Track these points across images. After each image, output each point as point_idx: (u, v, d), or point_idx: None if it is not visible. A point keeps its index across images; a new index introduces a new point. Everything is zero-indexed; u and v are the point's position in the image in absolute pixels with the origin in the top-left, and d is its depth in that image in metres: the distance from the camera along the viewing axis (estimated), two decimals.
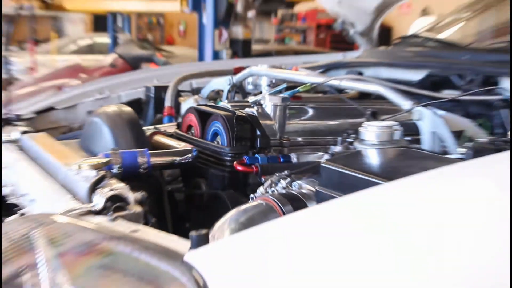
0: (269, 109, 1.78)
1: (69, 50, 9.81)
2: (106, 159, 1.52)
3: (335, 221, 1.06)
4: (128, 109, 1.91)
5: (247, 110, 1.77)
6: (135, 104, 2.32)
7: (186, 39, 11.18)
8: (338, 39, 11.40)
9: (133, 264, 1.08)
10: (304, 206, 1.38)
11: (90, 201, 1.36)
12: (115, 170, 1.53)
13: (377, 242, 0.99)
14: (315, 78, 2.01)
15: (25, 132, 1.94)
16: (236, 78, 2.17)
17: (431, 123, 1.54)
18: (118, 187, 1.35)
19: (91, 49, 9.59)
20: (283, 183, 1.46)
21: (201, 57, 5.62)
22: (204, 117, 1.82)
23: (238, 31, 5.76)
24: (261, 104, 1.80)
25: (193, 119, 1.87)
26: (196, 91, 2.39)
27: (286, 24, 11.99)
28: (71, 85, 4.00)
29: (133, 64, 4.73)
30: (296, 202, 1.38)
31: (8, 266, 1.16)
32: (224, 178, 1.67)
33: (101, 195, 1.34)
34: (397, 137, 1.46)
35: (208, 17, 5.58)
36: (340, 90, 2.21)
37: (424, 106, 1.59)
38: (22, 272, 1.12)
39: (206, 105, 1.96)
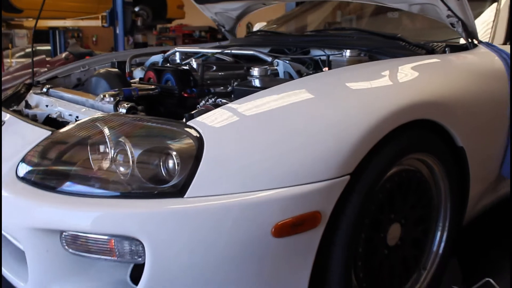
0: (195, 66, 2.07)
1: (18, 55, 9.39)
2: (118, 91, 1.76)
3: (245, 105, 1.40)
4: (115, 69, 2.14)
5: (183, 67, 2.05)
6: None
7: (98, 46, 10.94)
8: (195, 42, 11.64)
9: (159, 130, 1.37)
10: None
11: (116, 110, 1.62)
12: (121, 98, 1.77)
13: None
14: (217, 50, 2.29)
15: (50, 87, 2.12)
16: (167, 54, 2.41)
17: (284, 67, 1.87)
18: (130, 103, 1.62)
19: (34, 54, 9.15)
20: (212, 99, 1.74)
21: None
22: (158, 72, 2.05)
23: (139, 37, 5.96)
24: (191, 64, 2.09)
25: (151, 74, 2.07)
26: (139, 65, 2.56)
27: (162, 34, 12.00)
28: (41, 71, 4.02)
29: (78, 57, 4.77)
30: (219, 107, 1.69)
31: (85, 138, 1.39)
32: (175, 103, 1.89)
33: (122, 107, 1.61)
34: (268, 73, 1.80)
35: (119, 30, 5.72)
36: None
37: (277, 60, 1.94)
38: (89, 138, 1.37)
39: (159, 66, 2.21)
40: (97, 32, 10.39)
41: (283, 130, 1.32)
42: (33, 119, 1.86)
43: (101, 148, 1.35)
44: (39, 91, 2.11)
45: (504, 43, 2.11)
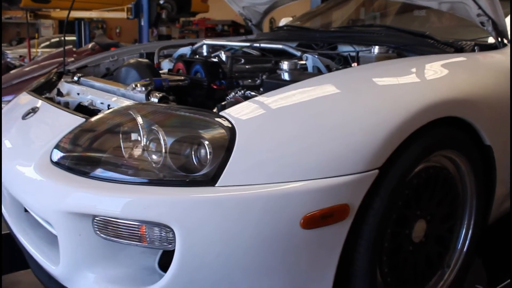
0: (224, 59, 2.08)
1: (44, 45, 9.46)
2: (149, 81, 1.77)
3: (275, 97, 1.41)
4: (145, 59, 2.15)
5: (212, 60, 2.05)
6: None
7: (121, 37, 11.00)
8: (218, 35, 11.67)
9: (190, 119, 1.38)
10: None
11: (147, 99, 1.63)
12: (152, 88, 1.78)
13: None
14: (244, 44, 2.30)
15: (80, 76, 2.14)
16: (195, 47, 2.43)
17: (313, 61, 1.86)
18: (162, 93, 1.63)
19: (59, 44, 9.28)
20: (241, 91, 1.73)
21: None
22: (188, 64, 2.06)
23: (163, 30, 5.97)
24: (220, 57, 2.10)
25: (180, 66, 2.08)
26: (166, 56, 2.56)
27: (185, 27, 12.01)
28: (68, 61, 4.08)
29: (105, 48, 4.80)
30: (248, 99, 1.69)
31: (119, 125, 1.41)
32: (203, 94, 1.89)
33: (154, 97, 1.62)
34: (298, 67, 1.80)
35: (144, 21, 5.75)
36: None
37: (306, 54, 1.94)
38: (122, 125, 1.39)
39: (188, 58, 2.23)
40: (120, 24, 10.44)
41: (313, 123, 1.32)
42: (66, 107, 1.88)
43: (134, 135, 1.36)
44: (70, 80, 2.14)
45: None
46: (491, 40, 1.99)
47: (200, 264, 1.23)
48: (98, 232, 1.29)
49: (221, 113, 1.33)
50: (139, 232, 1.26)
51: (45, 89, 2.12)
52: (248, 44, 2.27)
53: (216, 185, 1.22)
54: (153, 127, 1.33)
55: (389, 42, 2.05)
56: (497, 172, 1.74)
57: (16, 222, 1.71)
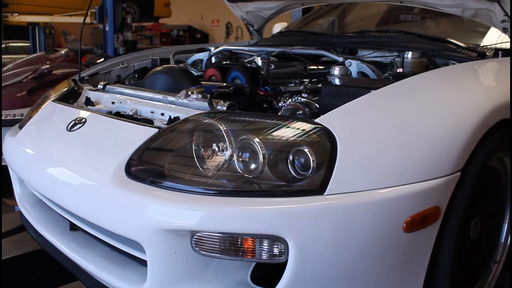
0: (260, 64, 2.03)
1: None
2: (202, 88, 1.68)
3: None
4: (177, 65, 2.05)
5: (251, 65, 1.99)
6: (145, 70, 2.40)
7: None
8: (174, 41, 11.42)
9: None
10: (311, 106, 1.67)
11: (213, 108, 1.54)
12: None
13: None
14: (274, 49, 2.25)
15: (106, 84, 2.01)
16: (213, 52, 2.36)
17: (357, 67, 1.87)
18: (228, 101, 1.55)
19: (6, 51, 8.69)
20: (295, 97, 1.71)
21: (105, 52, 5.52)
22: (223, 70, 1.99)
23: (129, 35, 5.77)
24: (255, 63, 2.05)
25: (214, 71, 2.01)
26: (177, 62, 2.47)
27: (138, 33, 11.59)
28: (43, 68, 3.84)
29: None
30: (306, 105, 1.68)
31: (200, 135, 1.32)
32: (246, 101, 1.84)
33: (220, 105, 1.54)
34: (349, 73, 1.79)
35: (109, 26, 5.52)
36: None
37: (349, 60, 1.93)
38: (205, 135, 1.31)
39: (221, 63, 2.15)
40: (70, 29, 9.90)
41: (406, 128, 1.32)
42: None
43: (218, 145, 1.30)
44: (94, 88, 2.01)
45: None
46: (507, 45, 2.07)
47: (313, 275, 1.19)
48: (197, 248, 1.22)
49: (316, 120, 1.29)
50: (244, 246, 1.20)
51: (70, 98, 1.99)
52: (280, 49, 2.23)
53: (325, 193, 1.19)
54: (244, 136, 1.28)
55: (413, 48, 2.08)
56: None
57: (64, 242, 1.59)
